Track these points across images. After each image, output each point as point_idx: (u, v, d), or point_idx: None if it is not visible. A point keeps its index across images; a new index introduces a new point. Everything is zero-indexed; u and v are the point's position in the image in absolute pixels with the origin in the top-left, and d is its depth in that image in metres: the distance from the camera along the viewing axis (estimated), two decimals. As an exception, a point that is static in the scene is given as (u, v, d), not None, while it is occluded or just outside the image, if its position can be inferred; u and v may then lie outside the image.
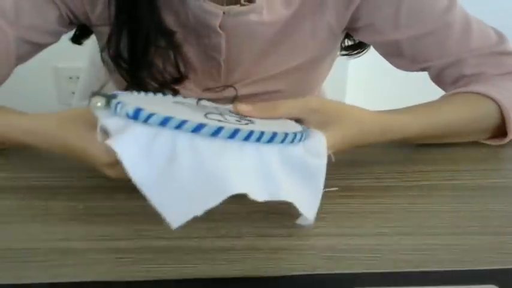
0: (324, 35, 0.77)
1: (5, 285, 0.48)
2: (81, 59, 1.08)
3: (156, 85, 0.74)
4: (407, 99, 0.86)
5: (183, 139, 0.48)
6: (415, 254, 0.52)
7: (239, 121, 0.53)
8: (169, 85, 0.75)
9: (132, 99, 0.54)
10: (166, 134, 0.48)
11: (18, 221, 0.56)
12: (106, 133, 0.49)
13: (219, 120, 0.51)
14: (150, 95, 0.61)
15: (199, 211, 0.44)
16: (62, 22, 0.74)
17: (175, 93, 0.76)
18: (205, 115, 0.53)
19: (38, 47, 0.75)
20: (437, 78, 0.78)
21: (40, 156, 0.64)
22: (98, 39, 0.80)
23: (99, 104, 0.50)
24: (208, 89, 0.80)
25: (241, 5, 0.71)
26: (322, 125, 0.59)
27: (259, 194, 0.48)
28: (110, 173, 0.54)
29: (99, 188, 0.58)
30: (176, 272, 0.49)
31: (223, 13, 0.71)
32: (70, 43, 0.81)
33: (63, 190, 0.61)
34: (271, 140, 0.50)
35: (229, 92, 0.80)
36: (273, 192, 0.49)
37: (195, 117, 0.51)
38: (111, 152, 0.48)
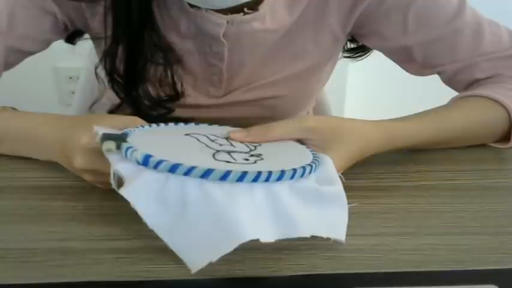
0: (326, 41, 0.76)
1: (4, 285, 0.48)
2: (81, 59, 1.08)
3: (149, 104, 0.74)
4: (407, 101, 0.86)
5: (193, 184, 0.48)
6: (415, 254, 0.52)
7: (247, 159, 0.53)
8: (163, 104, 0.75)
9: (142, 138, 0.55)
10: (176, 180, 0.48)
11: (18, 221, 0.56)
12: (119, 177, 0.50)
13: (227, 161, 0.52)
14: (162, 126, 0.62)
15: (214, 257, 0.45)
16: (56, 31, 0.74)
17: (170, 111, 0.76)
18: (214, 155, 0.53)
19: (28, 54, 0.75)
20: (450, 83, 0.78)
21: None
22: (97, 52, 0.79)
23: (110, 149, 0.51)
24: (209, 95, 0.79)
25: (245, 13, 0.70)
26: (324, 144, 0.59)
27: (271, 235, 0.48)
28: (80, 162, 0.56)
29: (99, 188, 0.58)
30: (176, 272, 0.49)
31: (227, 22, 0.70)
32: (70, 43, 0.81)
33: (63, 190, 0.61)
34: (279, 178, 0.50)
35: (230, 98, 0.80)
36: (288, 230, 0.49)
37: (203, 159, 0.52)
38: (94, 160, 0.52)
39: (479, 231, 0.56)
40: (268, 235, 0.48)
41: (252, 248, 0.49)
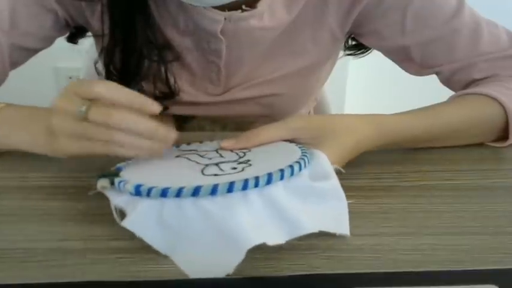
0: (325, 40, 0.77)
1: (4, 285, 0.48)
2: (81, 59, 1.08)
3: None
4: (407, 99, 0.86)
5: (187, 204, 0.49)
6: (415, 254, 0.52)
7: (235, 167, 0.54)
8: (159, 101, 0.75)
9: (134, 170, 0.56)
10: (171, 202, 0.50)
11: (18, 221, 0.56)
12: (121, 210, 0.52)
13: (215, 175, 0.53)
14: None
15: (229, 270, 0.46)
16: (57, 27, 0.74)
17: (165, 109, 0.76)
18: (202, 170, 0.54)
19: (32, 52, 0.75)
20: (448, 83, 0.78)
21: (40, 156, 0.63)
22: (97, 49, 0.79)
23: (104, 186, 0.54)
24: (207, 93, 0.79)
25: (243, 10, 0.70)
26: (316, 141, 0.59)
27: (277, 237, 0.48)
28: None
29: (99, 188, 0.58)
30: (176, 272, 0.49)
31: (225, 19, 0.70)
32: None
33: (63, 190, 0.61)
34: (268, 181, 0.50)
35: (228, 96, 0.80)
36: (293, 229, 0.49)
37: (192, 177, 0.53)
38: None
39: (479, 231, 0.56)
40: (275, 238, 0.48)
41: (251, 248, 0.49)
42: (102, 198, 0.58)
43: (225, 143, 0.60)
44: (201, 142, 0.65)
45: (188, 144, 0.65)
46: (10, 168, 0.65)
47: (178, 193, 0.49)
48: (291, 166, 0.52)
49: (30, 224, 0.55)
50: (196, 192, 0.49)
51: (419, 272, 0.50)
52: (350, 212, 0.54)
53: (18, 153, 0.66)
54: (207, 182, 0.50)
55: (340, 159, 0.60)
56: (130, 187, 0.51)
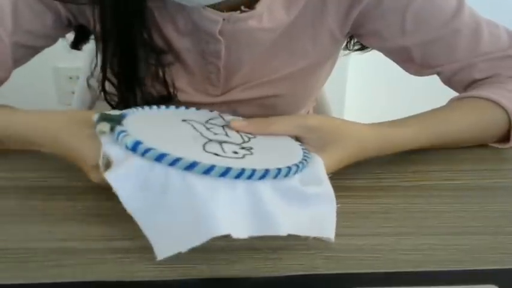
0: (325, 41, 0.76)
1: (4, 285, 0.48)
2: (81, 59, 1.08)
3: (142, 103, 0.74)
4: (407, 98, 0.86)
5: (177, 175, 0.49)
6: (415, 254, 0.52)
7: (236, 152, 0.54)
8: (157, 103, 0.75)
9: (139, 120, 0.55)
10: (161, 169, 0.49)
11: (18, 220, 0.56)
12: (108, 159, 0.51)
13: (216, 154, 0.52)
14: (162, 108, 0.62)
15: (183, 248, 0.46)
16: (59, 26, 0.74)
17: None
18: (204, 145, 0.54)
19: (35, 50, 0.76)
20: (449, 83, 0.78)
21: (40, 156, 0.63)
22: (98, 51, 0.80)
23: (103, 131, 0.52)
24: (207, 94, 0.79)
25: (242, 11, 0.70)
26: (321, 143, 0.59)
27: (244, 231, 0.48)
28: (94, 177, 0.55)
29: (99, 188, 0.58)
30: (176, 272, 0.49)
31: (223, 19, 0.70)
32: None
33: (63, 190, 0.61)
34: (262, 177, 0.50)
35: (228, 96, 0.80)
36: (264, 228, 0.49)
37: (192, 149, 0.52)
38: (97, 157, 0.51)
39: (479, 231, 0.56)
40: (241, 231, 0.48)
41: (250, 248, 0.50)
42: (102, 198, 0.58)
43: (235, 123, 0.61)
44: (211, 110, 0.65)
45: (198, 109, 0.65)
46: (9, 168, 0.65)
47: (173, 163, 0.48)
48: (289, 167, 0.52)
49: (30, 224, 0.55)
50: (191, 167, 0.48)
51: (419, 272, 0.50)
52: (350, 212, 0.54)
53: (18, 153, 0.66)
54: (205, 159, 0.49)
55: (336, 166, 0.60)
56: (128, 141, 0.50)
